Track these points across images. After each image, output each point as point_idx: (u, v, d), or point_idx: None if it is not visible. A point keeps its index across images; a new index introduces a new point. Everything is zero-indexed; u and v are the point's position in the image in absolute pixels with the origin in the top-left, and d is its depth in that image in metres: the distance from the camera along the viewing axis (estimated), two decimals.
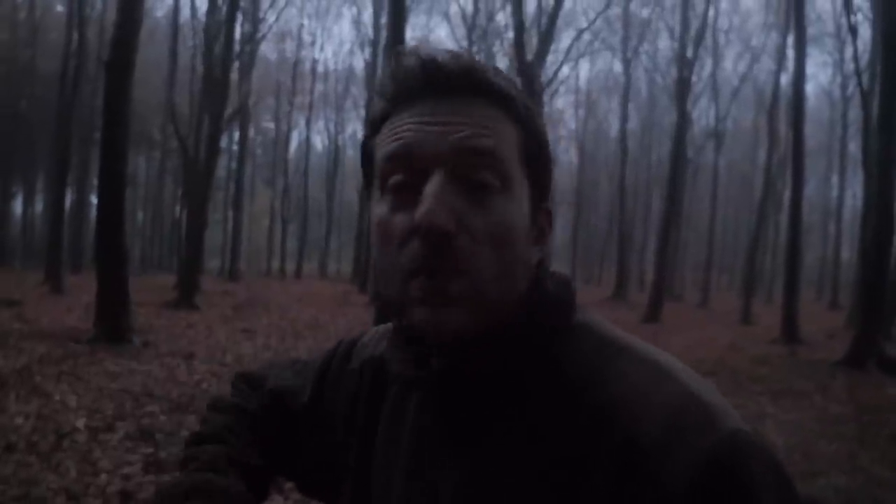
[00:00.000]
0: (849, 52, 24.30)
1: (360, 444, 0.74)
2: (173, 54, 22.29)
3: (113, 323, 9.35)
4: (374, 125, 0.64)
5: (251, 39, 25.60)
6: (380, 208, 0.61)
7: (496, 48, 34.66)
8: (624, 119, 31.13)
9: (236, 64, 22.45)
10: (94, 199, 31.18)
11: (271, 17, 27.91)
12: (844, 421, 7.06)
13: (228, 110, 20.16)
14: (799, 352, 13.54)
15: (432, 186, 0.57)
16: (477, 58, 0.63)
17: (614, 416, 0.55)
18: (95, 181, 25.14)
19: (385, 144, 0.61)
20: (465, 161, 0.58)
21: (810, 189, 33.49)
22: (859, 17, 21.23)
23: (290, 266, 41.46)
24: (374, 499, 0.71)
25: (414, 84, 0.60)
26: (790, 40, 19.74)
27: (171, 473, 4.26)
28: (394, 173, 0.60)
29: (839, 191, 35.92)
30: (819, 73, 70.82)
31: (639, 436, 0.53)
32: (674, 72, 26.30)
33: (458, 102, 0.59)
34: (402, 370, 0.64)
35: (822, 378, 9.94)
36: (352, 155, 53.58)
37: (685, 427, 0.52)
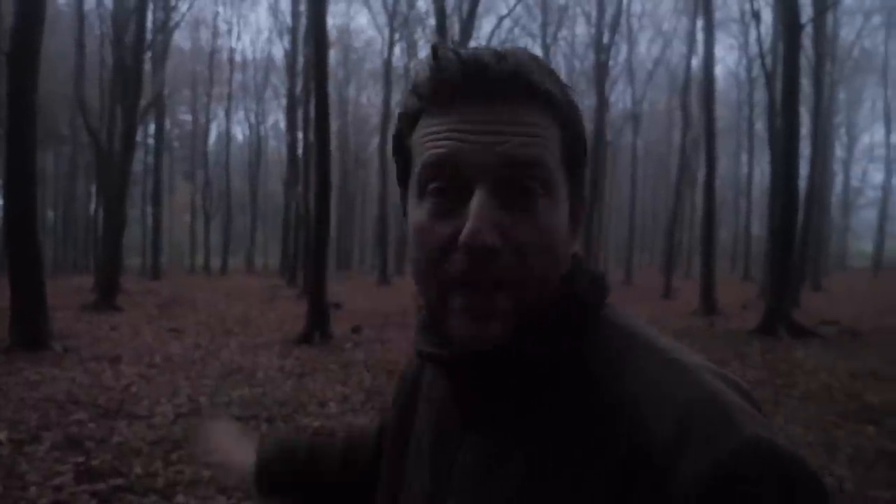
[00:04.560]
0: (753, 35, 25.56)
1: (393, 444, 0.77)
2: (80, 44, 21.13)
3: (30, 329, 8.89)
4: (408, 121, 0.62)
5: (164, 28, 24.54)
6: (419, 213, 0.60)
7: (418, 35, 34.60)
8: None
9: (149, 54, 21.52)
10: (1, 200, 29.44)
11: (184, 5, 26.87)
12: (760, 384, 7.52)
13: (142, 102, 19.34)
14: (717, 323, 14.29)
15: (478, 202, 0.55)
16: (531, 52, 0.61)
17: (627, 413, 0.53)
18: (0, 181, 23.73)
19: (425, 149, 0.59)
20: (511, 172, 0.56)
21: (722, 167, 35.01)
22: (761, 2, 22.35)
23: (215, 262, 40.32)
24: (400, 491, 0.73)
25: (454, 86, 0.58)
26: (699, 24, 20.57)
27: (105, 481, 4.15)
28: (434, 180, 0.58)
29: (748, 168, 37.79)
30: (727, 57, 74.16)
31: (649, 437, 0.50)
32: (591, 57, 26.99)
33: (502, 108, 0.57)
34: (424, 348, 0.64)
35: (738, 346, 10.54)
36: (274, 145, 52.46)
37: (699, 430, 0.49)
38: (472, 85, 0.57)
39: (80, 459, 4.55)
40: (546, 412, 0.58)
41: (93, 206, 32.76)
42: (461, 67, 0.57)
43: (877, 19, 38.07)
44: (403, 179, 0.64)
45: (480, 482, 0.60)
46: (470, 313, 0.57)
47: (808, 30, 15.66)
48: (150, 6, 21.92)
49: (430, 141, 0.58)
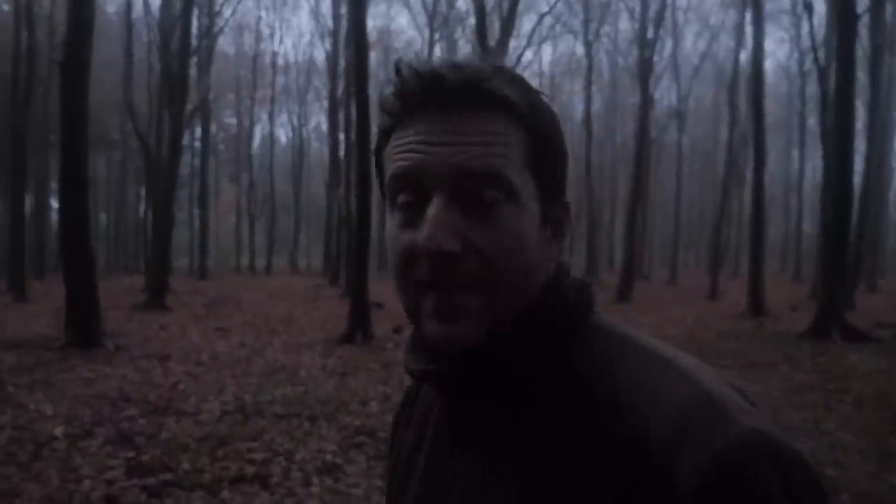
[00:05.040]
0: (805, 28, 24.80)
1: (393, 460, 0.78)
2: (128, 52, 21.79)
3: (84, 328, 9.21)
4: (382, 137, 0.64)
5: (208, 33, 25.18)
6: (391, 223, 0.62)
7: (458, 35, 34.62)
8: (588, 101, 31.34)
9: (194, 59, 22.08)
10: (54, 204, 30.48)
11: (228, 11, 27.49)
12: (810, 389, 7.30)
13: (189, 107, 19.83)
14: (765, 324, 13.90)
15: (433, 210, 0.57)
16: (497, 62, 0.62)
17: (623, 414, 0.53)
18: (54, 185, 24.55)
19: (391, 162, 0.61)
20: (467, 182, 0.57)
21: (771, 163, 33.99)
22: None
23: (260, 262, 41.11)
24: None
25: (414, 100, 0.59)
26: (748, 17, 20.06)
27: (155, 476, 4.26)
28: (400, 192, 0.60)
29: (799, 164, 36.73)
30: (777, 50, 72.33)
31: (648, 435, 0.51)
32: (635, 52, 26.58)
33: (459, 117, 0.58)
34: (414, 365, 0.65)
35: (788, 349, 10.23)
36: (317, 147, 53.14)
37: (697, 426, 0.50)
38: (430, 97, 0.59)
39: (131, 454, 4.69)
40: (538, 421, 0.59)
41: (142, 209, 33.71)
42: (419, 82, 0.59)
43: None
44: (384, 192, 0.66)
45: (476, 495, 0.61)
46: (438, 314, 0.58)
47: (865, 19, 15.10)
48: (195, 13, 22.46)
49: (396, 154, 0.60)
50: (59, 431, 5.19)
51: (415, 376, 0.65)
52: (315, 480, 4.30)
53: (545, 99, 0.63)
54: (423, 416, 0.73)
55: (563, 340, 0.61)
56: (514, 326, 0.60)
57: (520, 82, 0.61)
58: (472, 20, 22.40)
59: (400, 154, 0.60)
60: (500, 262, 0.57)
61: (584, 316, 0.63)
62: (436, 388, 0.66)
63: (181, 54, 18.63)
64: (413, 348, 0.68)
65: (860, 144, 19.27)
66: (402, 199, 0.60)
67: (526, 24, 31.24)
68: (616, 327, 0.63)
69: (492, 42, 17.11)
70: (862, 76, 17.90)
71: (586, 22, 30.77)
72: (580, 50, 35.79)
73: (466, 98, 0.58)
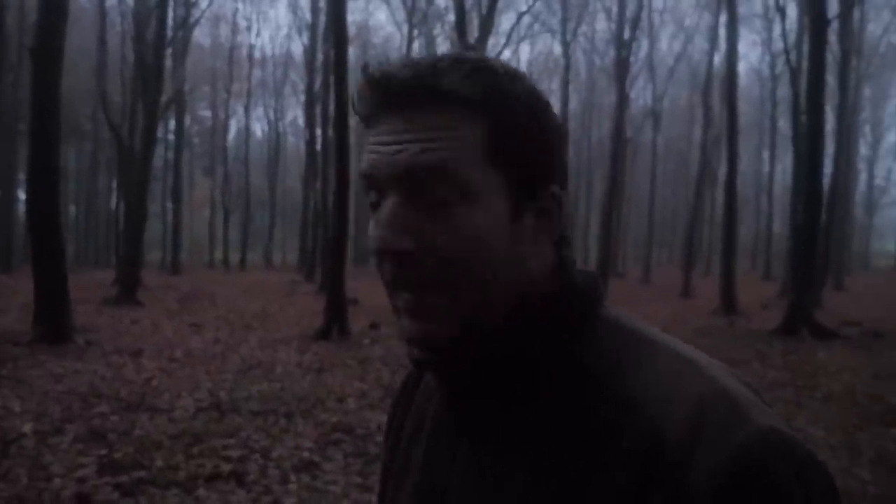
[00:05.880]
0: (777, 31, 25.22)
1: (391, 446, 0.76)
2: (101, 41, 21.38)
3: (53, 323, 9.02)
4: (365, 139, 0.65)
5: (184, 24, 24.77)
6: (370, 223, 0.62)
7: (437, 31, 34.55)
8: (565, 100, 31.45)
9: (169, 50, 21.70)
10: (21, 195, 29.77)
11: (204, 1, 27.11)
12: (781, 386, 7.43)
13: (163, 98, 19.52)
14: (737, 322, 14.14)
15: (383, 210, 0.58)
16: (456, 55, 0.59)
17: (637, 410, 0.53)
18: (22, 175, 24.01)
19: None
20: (417, 180, 0.57)
21: (743, 164, 34.54)
22: None
23: (234, 257, 40.61)
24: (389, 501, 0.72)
25: (369, 102, 0.60)
26: (722, 20, 20.33)
27: (128, 474, 4.19)
28: (368, 192, 0.61)
29: (770, 166, 37.31)
30: (749, 53, 73.14)
31: (663, 431, 0.51)
32: (612, 53, 26.79)
33: (411, 115, 0.57)
34: (416, 355, 0.63)
35: (759, 346, 10.42)
36: (293, 142, 52.65)
37: (713, 423, 0.50)
38: (383, 97, 0.58)
39: (103, 452, 4.60)
40: (544, 413, 0.58)
41: (114, 201, 33.15)
42: (369, 82, 0.59)
43: None
44: None
45: (479, 488, 0.59)
46: (409, 313, 0.59)
47: (834, 25, 15.39)
48: (171, 3, 22.09)
49: (363, 155, 0.61)
50: (27, 429, 5.07)
51: (415, 363, 0.63)
52: (292, 478, 4.27)
53: (523, 83, 0.60)
54: (423, 403, 0.72)
55: (569, 331, 0.60)
56: (514, 317, 0.59)
57: (483, 71, 0.58)
58: (451, 17, 22.40)
59: (364, 156, 0.61)
60: (457, 261, 0.56)
61: (591, 307, 0.62)
62: (437, 377, 0.65)
63: (156, 45, 18.32)
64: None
65: (829, 147, 19.66)
66: (371, 198, 0.60)
67: (505, 22, 31.36)
68: (625, 320, 0.62)
69: (471, 39, 17.10)
70: (831, 80, 18.26)
71: (564, 21, 30.90)
72: (558, 49, 36.00)
73: (414, 96, 0.57)
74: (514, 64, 0.67)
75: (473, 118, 0.57)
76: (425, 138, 0.56)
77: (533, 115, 0.60)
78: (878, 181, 52.15)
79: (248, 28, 53.69)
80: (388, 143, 0.58)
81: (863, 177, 48.01)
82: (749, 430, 0.49)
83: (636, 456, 0.51)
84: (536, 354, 0.60)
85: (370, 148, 0.59)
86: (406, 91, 0.57)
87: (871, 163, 49.25)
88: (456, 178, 0.56)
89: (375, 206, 0.59)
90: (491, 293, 0.58)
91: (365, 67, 0.60)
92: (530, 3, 25.19)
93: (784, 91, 28.46)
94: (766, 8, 29.12)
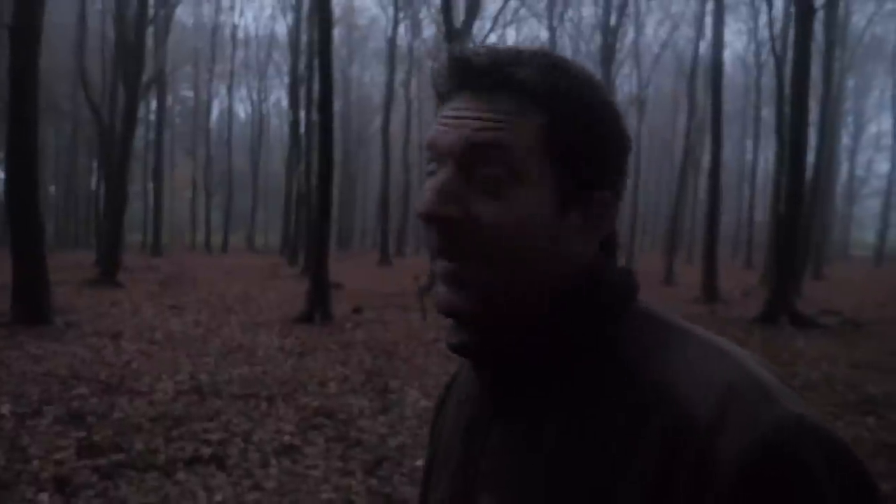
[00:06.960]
0: (763, 19, 25.29)
1: (432, 447, 0.80)
2: (81, 19, 20.95)
3: (32, 304, 8.91)
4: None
5: (166, 3, 24.31)
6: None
7: (423, 14, 34.29)
8: None
9: (151, 29, 21.35)
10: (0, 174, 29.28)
11: None
12: None
13: (144, 78, 19.20)
14: (718, 310, 14.28)
15: (437, 177, 0.61)
16: (537, 49, 0.64)
17: (667, 394, 0.54)
18: (1, 155, 23.62)
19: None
20: (474, 154, 0.60)
21: (726, 153, 34.73)
22: None
23: (216, 239, 40.29)
24: (431, 485, 0.75)
25: (446, 81, 0.64)
26: (709, 7, 20.33)
27: (107, 456, 4.15)
28: (430, 162, 0.64)
29: (753, 155, 37.57)
30: (734, 41, 73.37)
31: (692, 415, 0.52)
32: (598, 39, 26.74)
33: (479, 98, 0.62)
34: (453, 341, 0.66)
35: (740, 334, 10.52)
36: (276, 124, 52.19)
37: (742, 407, 0.51)
38: (458, 79, 0.63)
39: (82, 434, 4.57)
40: (578, 396, 0.60)
41: (94, 182, 32.70)
42: (449, 64, 0.64)
43: (890, 5, 37.52)
44: None
45: (510, 464, 0.62)
46: (444, 280, 0.62)
47: (820, 15, 15.46)
48: None
49: (431, 127, 0.65)
50: (5, 410, 5.02)
51: (452, 349, 0.66)
52: (273, 461, 4.26)
53: (595, 92, 0.63)
54: (462, 400, 0.74)
55: (605, 319, 0.63)
56: (551, 306, 0.62)
57: (558, 71, 0.62)
58: (437, 1, 22.17)
59: (431, 128, 0.65)
60: (498, 238, 0.59)
61: (627, 299, 0.65)
62: (474, 363, 0.68)
63: (137, 23, 17.98)
64: (453, 324, 0.68)
65: (811, 137, 19.81)
66: (429, 168, 0.64)
67: (491, 5, 31.03)
68: (659, 312, 0.65)
69: (457, 24, 16.94)
70: (815, 70, 18.36)
71: (551, 6, 30.72)
72: (544, 34, 35.77)
73: (486, 81, 0.61)
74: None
75: (536, 110, 0.61)
76: (488, 118, 0.60)
77: (596, 122, 0.63)
78: (859, 171, 52.77)
79: (232, 8, 52.86)
80: (454, 118, 0.62)
81: (844, 167, 48.49)
82: (778, 415, 0.50)
83: (665, 434, 0.53)
84: (573, 341, 0.62)
85: (438, 121, 0.64)
86: (482, 75, 0.61)
87: (853, 153, 49.74)
88: (509, 158, 0.60)
89: (431, 175, 0.63)
90: (524, 277, 0.61)
91: (449, 49, 0.65)
92: None
93: (768, 79, 28.58)
94: None
